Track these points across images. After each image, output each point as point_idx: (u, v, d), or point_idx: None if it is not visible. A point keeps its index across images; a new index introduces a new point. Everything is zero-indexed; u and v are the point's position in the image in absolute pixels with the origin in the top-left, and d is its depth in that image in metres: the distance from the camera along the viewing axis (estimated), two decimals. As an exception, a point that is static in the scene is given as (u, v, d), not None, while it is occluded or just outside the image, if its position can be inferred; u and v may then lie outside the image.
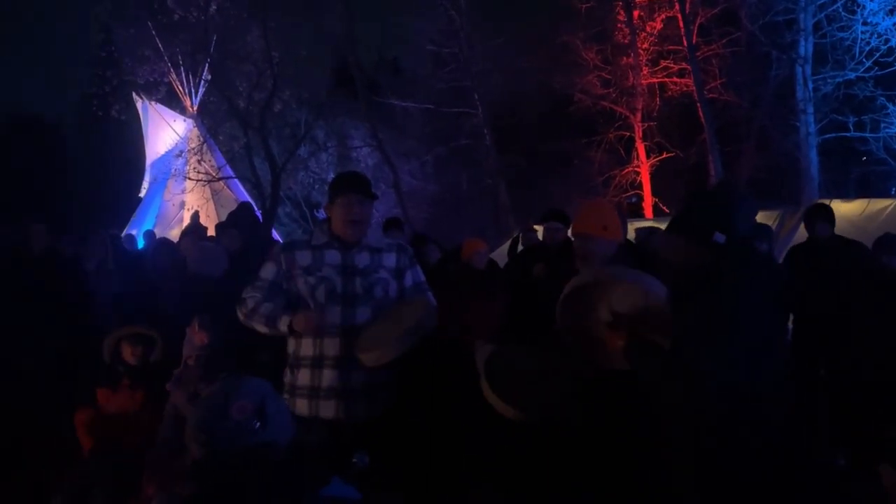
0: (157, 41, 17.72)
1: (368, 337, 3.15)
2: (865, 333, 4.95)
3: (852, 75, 14.55)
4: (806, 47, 15.11)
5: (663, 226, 5.87)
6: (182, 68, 18.80)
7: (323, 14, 18.63)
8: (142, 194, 20.21)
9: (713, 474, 2.47)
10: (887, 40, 13.95)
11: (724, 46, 16.82)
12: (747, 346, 2.46)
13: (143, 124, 19.97)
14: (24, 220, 6.14)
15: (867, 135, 14.94)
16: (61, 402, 4.53)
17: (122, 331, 4.40)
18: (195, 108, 19.47)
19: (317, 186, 21.64)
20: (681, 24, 16.82)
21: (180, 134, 19.05)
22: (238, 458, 1.88)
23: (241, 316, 3.34)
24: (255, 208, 14.17)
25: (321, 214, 17.55)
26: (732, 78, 16.65)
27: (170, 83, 18.91)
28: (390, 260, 3.42)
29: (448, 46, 19.95)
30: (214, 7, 17.05)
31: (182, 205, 18.40)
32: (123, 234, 12.86)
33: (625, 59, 18.61)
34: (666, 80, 18.23)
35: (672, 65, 18.03)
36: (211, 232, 10.10)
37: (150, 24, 17.33)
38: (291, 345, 3.35)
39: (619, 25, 18.73)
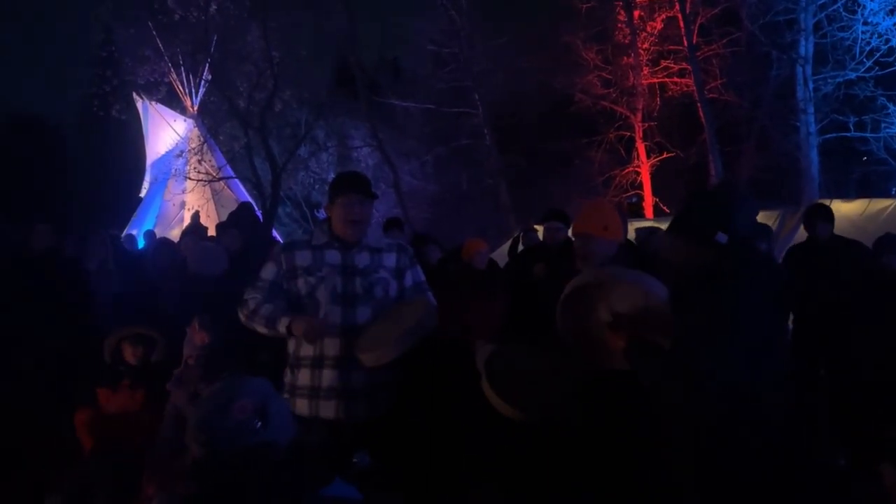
0: (158, 41, 17.72)
1: (368, 337, 3.16)
2: (865, 333, 4.95)
3: (853, 75, 14.54)
4: (806, 47, 15.11)
5: (664, 226, 5.86)
6: (182, 68, 18.81)
7: (323, 14, 18.62)
8: (142, 194, 20.23)
9: (713, 474, 2.47)
10: (888, 40, 13.95)
11: (724, 46, 16.82)
12: (747, 346, 2.46)
13: (143, 124, 19.99)
14: (28, 220, 6.14)
15: (868, 135, 14.93)
16: (61, 402, 4.53)
17: (123, 331, 4.41)
18: (195, 108, 19.48)
19: (317, 186, 21.63)
20: (681, 24, 16.81)
21: (181, 134, 19.06)
22: (238, 457, 1.88)
23: (242, 317, 3.34)
24: (256, 208, 14.18)
25: (321, 214, 17.58)
26: (733, 78, 16.64)
27: (170, 83, 18.92)
28: (390, 260, 3.42)
29: (448, 46, 19.96)
30: (215, 7, 17.04)
31: (182, 205, 18.42)
32: (124, 235, 12.87)
33: (625, 58, 18.62)
34: (666, 80, 18.23)
35: (672, 65, 18.03)
36: (211, 232, 10.11)
37: (150, 24, 17.34)
38: (292, 345, 3.35)
39: (619, 25, 18.73)
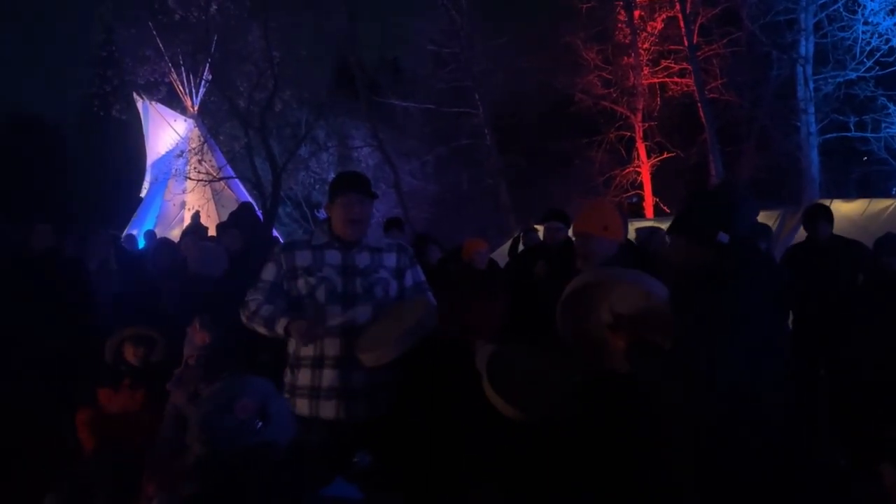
0: (158, 41, 17.75)
1: (369, 337, 3.16)
2: (865, 333, 4.95)
3: (853, 75, 14.53)
4: (807, 47, 15.10)
5: (664, 226, 5.88)
6: (183, 68, 18.83)
7: (323, 14, 18.63)
8: (142, 194, 20.24)
9: (713, 474, 2.48)
10: (888, 40, 13.94)
11: (724, 46, 16.81)
12: (747, 346, 2.46)
13: (143, 124, 20.00)
14: (28, 220, 6.14)
15: (868, 135, 14.92)
16: (61, 402, 4.53)
17: (125, 332, 4.41)
18: (196, 108, 19.50)
19: (317, 186, 21.63)
20: (681, 24, 16.82)
21: (181, 134, 19.07)
22: (238, 457, 1.88)
23: (243, 318, 3.34)
24: (256, 208, 14.18)
25: (322, 214, 17.59)
26: (733, 78, 16.64)
27: (170, 83, 18.94)
28: (390, 260, 3.42)
29: (449, 46, 19.96)
30: (215, 7, 17.06)
31: (183, 205, 18.43)
32: (124, 235, 12.89)
33: (625, 58, 18.62)
34: (667, 79, 18.23)
35: (673, 65, 18.03)
36: (212, 232, 10.11)
37: (150, 24, 17.36)
38: (292, 345, 3.35)
39: (619, 25, 18.73)
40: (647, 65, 18.41)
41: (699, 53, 16.69)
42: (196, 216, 14.37)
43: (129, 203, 21.08)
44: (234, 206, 12.86)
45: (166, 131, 19.21)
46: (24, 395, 4.85)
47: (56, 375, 4.89)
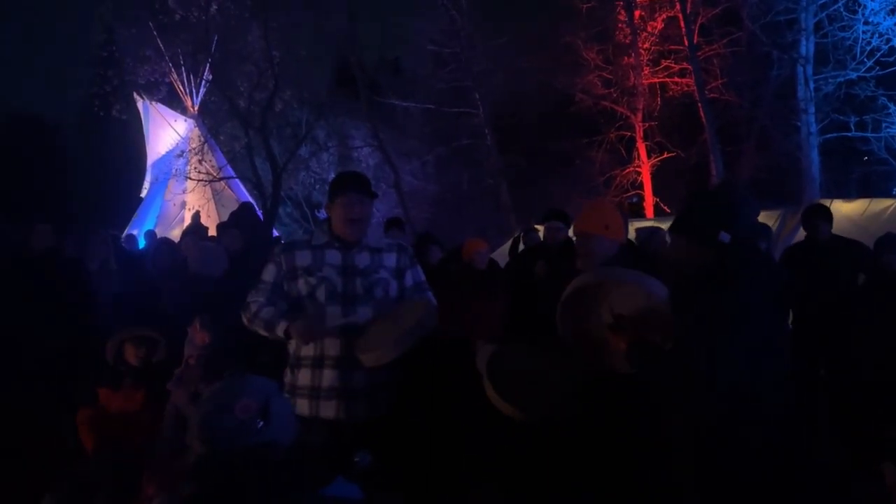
0: (159, 41, 17.76)
1: (369, 337, 3.15)
2: (865, 333, 4.95)
3: (853, 75, 14.53)
4: (807, 47, 15.10)
5: (664, 226, 5.87)
6: (183, 68, 18.84)
7: (323, 14, 18.63)
8: (143, 194, 20.24)
9: (713, 474, 2.48)
10: (888, 40, 13.94)
11: (725, 46, 16.81)
12: (748, 346, 2.46)
13: (144, 124, 20.01)
14: (28, 220, 6.14)
15: (868, 135, 14.92)
16: (61, 402, 4.53)
17: (125, 333, 4.41)
18: (196, 108, 19.51)
19: (318, 186, 21.64)
20: (682, 24, 16.82)
21: (181, 134, 19.08)
22: (239, 457, 1.88)
23: (245, 320, 3.34)
24: (257, 208, 14.18)
25: (322, 214, 17.58)
26: (733, 78, 16.64)
27: (171, 83, 18.96)
28: (391, 260, 3.41)
29: (449, 46, 19.94)
30: (215, 7, 17.06)
31: (183, 205, 18.44)
32: (124, 235, 12.89)
33: (626, 58, 18.61)
34: (667, 79, 18.23)
35: (673, 65, 18.03)
36: (212, 232, 10.11)
37: (151, 24, 17.37)
38: (292, 345, 3.35)
39: (620, 25, 18.73)
40: (647, 65, 18.41)
41: (699, 53, 16.69)
42: (196, 216, 14.38)
43: (129, 203, 21.08)
44: (234, 206, 12.86)
45: (167, 131, 19.22)
46: (24, 395, 4.85)
47: (56, 375, 4.88)
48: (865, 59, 14.26)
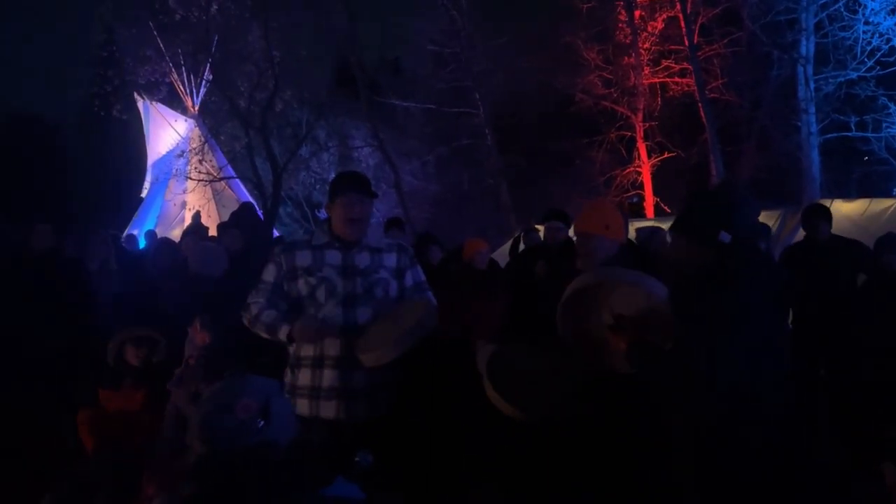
0: (159, 41, 17.75)
1: (369, 337, 3.15)
2: (865, 333, 4.95)
3: (854, 75, 14.54)
4: (807, 47, 15.10)
5: (665, 226, 5.87)
6: (183, 68, 18.84)
7: (324, 14, 18.63)
8: (143, 194, 20.24)
9: (713, 474, 2.48)
10: (889, 40, 13.94)
11: (725, 46, 16.82)
12: (748, 346, 2.46)
13: (144, 124, 20.01)
14: (28, 220, 6.14)
15: (869, 134, 14.92)
16: (61, 402, 4.53)
17: (126, 333, 4.41)
18: (196, 108, 19.51)
19: (318, 186, 21.64)
20: (682, 24, 16.82)
21: (182, 134, 19.08)
22: (239, 457, 1.88)
23: (245, 322, 3.35)
24: (257, 208, 14.18)
25: (322, 214, 17.59)
26: (734, 78, 16.65)
27: (171, 83, 18.95)
28: (391, 260, 3.41)
29: (449, 46, 19.94)
30: (216, 7, 17.06)
31: (183, 205, 18.44)
32: (125, 235, 12.90)
33: (626, 58, 18.61)
34: (667, 79, 18.24)
35: (673, 65, 18.04)
36: (213, 232, 10.11)
37: (151, 24, 17.36)
38: (293, 345, 3.35)
39: (620, 25, 18.73)
40: (647, 65, 18.41)
41: (700, 53, 16.69)
42: (197, 216, 14.39)
43: (129, 203, 21.09)
44: (234, 206, 12.86)
45: (167, 131, 19.23)
46: (24, 395, 4.86)
47: (56, 375, 4.89)
48: (866, 59, 14.27)
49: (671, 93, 18.24)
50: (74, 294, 5.56)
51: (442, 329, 3.38)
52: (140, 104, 19.50)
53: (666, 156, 18.34)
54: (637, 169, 18.70)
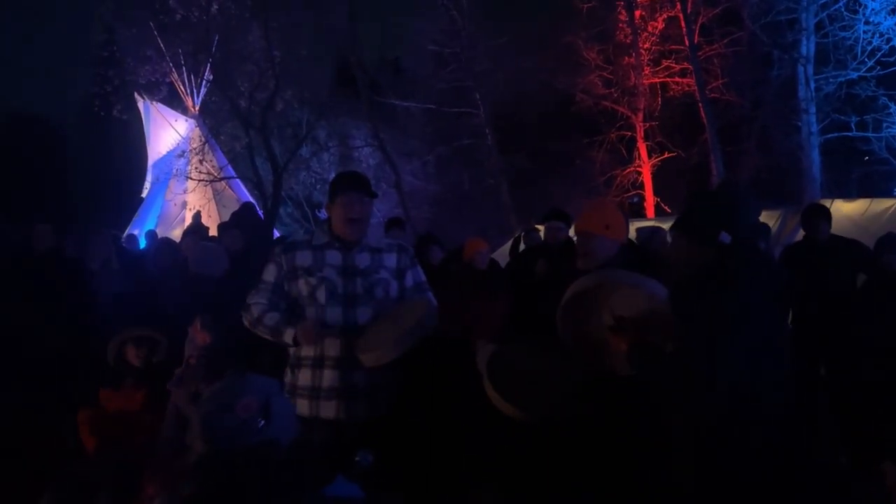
0: (159, 41, 17.74)
1: (369, 337, 3.16)
2: (865, 333, 4.95)
3: (854, 75, 14.55)
4: (808, 47, 15.10)
5: (665, 225, 5.86)
6: (184, 68, 18.83)
7: (324, 14, 18.63)
8: (144, 194, 20.24)
9: (713, 474, 2.48)
10: (889, 40, 13.95)
11: (725, 46, 16.84)
12: (748, 346, 2.46)
13: (144, 124, 20.02)
14: (29, 221, 6.14)
15: (869, 134, 14.93)
16: (61, 402, 4.53)
17: (127, 333, 4.41)
18: (197, 108, 19.51)
19: (318, 186, 21.63)
20: (682, 24, 16.83)
21: (182, 134, 19.08)
22: (240, 456, 1.88)
23: (246, 323, 3.35)
24: (258, 208, 14.18)
25: (323, 214, 17.59)
26: (734, 78, 16.67)
27: (171, 83, 18.95)
28: (391, 260, 3.41)
29: (450, 46, 19.94)
30: (216, 7, 17.05)
31: (184, 205, 18.44)
32: (125, 235, 12.90)
33: (626, 58, 18.62)
34: (668, 79, 18.25)
35: (674, 64, 18.05)
36: (213, 232, 10.12)
37: (151, 23, 17.36)
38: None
39: (620, 25, 18.74)
40: (648, 65, 18.42)
41: (700, 53, 16.70)
42: (197, 216, 14.39)
43: (130, 203, 21.10)
44: (235, 206, 12.87)
45: (167, 131, 19.23)
46: (24, 395, 4.85)
47: (56, 375, 4.89)
48: (866, 59, 14.29)
49: (671, 93, 18.25)
50: (75, 294, 5.56)
51: (442, 329, 3.38)
52: (140, 104, 19.50)
53: (666, 156, 18.34)
54: (637, 169, 18.70)
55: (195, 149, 18.38)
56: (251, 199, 16.45)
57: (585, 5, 18.33)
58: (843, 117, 14.95)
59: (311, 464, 2.10)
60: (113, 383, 4.28)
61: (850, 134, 15.14)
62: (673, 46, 17.91)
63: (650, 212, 18.03)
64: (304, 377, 3.27)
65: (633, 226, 8.01)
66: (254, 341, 3.51)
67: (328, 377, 3.22)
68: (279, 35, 17.26)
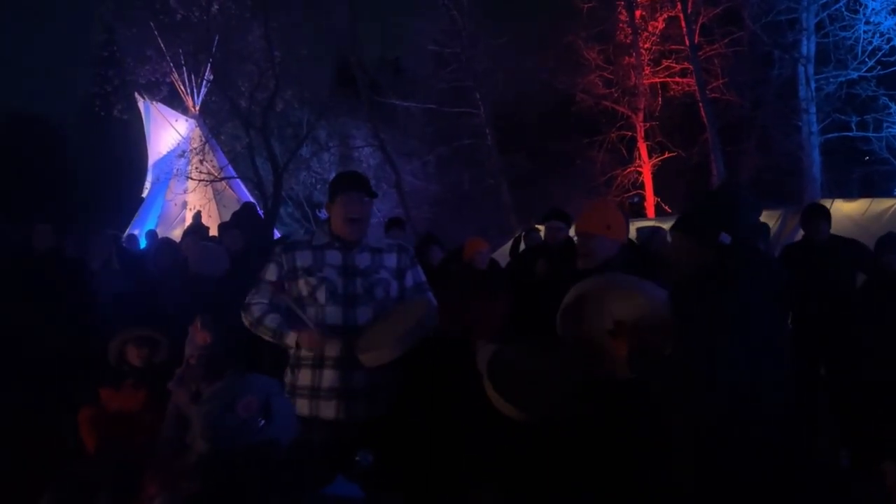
0: (160, 41, 17.74)
1: (369, 337, 3.16)
2: (865, 333, 4.95)
3: (855, 75, 14.54)
4: (808, 47, 15.10)
5: (665, 225, 5.86)
6: (184, 68, 18.83)
7: (325, 14, 18.63)
8: (144, 194, 20.24)
9: (713, 474, 2.48)
10: (889, 39, 13.95)
11: (726, 46, 16.83)
12: (747, 346, 2.46)
13: (145, 124, 20.01)
14: (29, 220, 6.14)
15: (870, 134, 14.92)
16: (61, 402, 4.53)
17: (127, 333, 4.40)
18: (197, 108, 19.50)
19: (319, 186, 21.62)
20: (683, 24, 16.82)
21: (182, 134, 19.07)
22: (240, 456, 1.88)
23: (245, 322, 3.35)
24: (258, 208, 14.19)
25: (323, 214, 17.59)
26: (734, 77, 16.66)
27: (172, 83, 18.95)
28: (391, 260, 3.42)
29: (450, 46, 19.94)
30: (216, 7, 17.07)
31: (184, 205, 18.43)
32: (126, 234, 12.90)
33: (627, 58, 18.62)
34: (668, 79, 18.24)
35: (674, 64, 18.04)
36: (213, 232, 10.12)
37: (151, 23, 17.36)
38: (295, 346, 3.35)
39: (620, 25, 18.73)
40: (648, 64, 18.42)
41: (700, 53, 16.70)
42: (197, 216, 14.39)
43: (130, 203, 21.09)
44: (235, 206, 12.87)
45: (168, 131, 19.22)
46: (24, 395, 4.85)
47: (56, 375, 4.89)
48: (867, 59, 14.28)
49: (672, 93, 18.24)
50: (75, 294, 5.56)
51: (442, 329, 3.38)
52: (141, 104, 19.49)
53: (667, 156, 18.33)
54: (638, 169, 18.70)
55: (195, 149, 18.38)
56: (251, 199, 16.44)
57: (586, 5, 18.33)
58: (843, 117, 14.95)
59: (311, 464, 2.10)
60: (114, 383, 4.28)
61: (850, 134, 15.14)
62: (673, 46, 17.91)
63: (650, 212, 18.02)
64: (304, 377, 3.27)
65: (634, 226, 8.00)
66: (254, 341, 3.51)
67: (328, 377, 3.22)
68: (279, 35, 17.28)
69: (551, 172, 19.83)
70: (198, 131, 19.21)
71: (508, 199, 19.47)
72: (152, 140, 19.98)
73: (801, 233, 6.06)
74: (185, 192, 18.57)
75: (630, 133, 18.78)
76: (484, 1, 20.25)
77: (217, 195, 18.33)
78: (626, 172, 18.67)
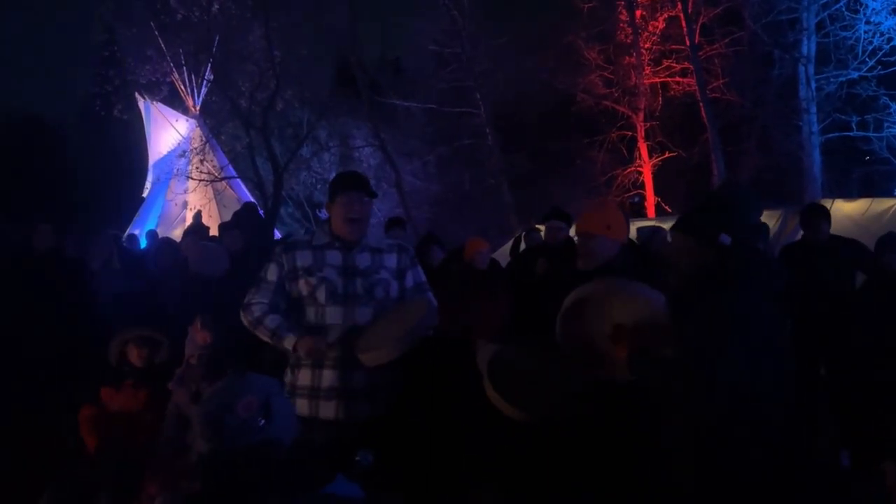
0: (160, 41, 17.75)
1: (369, 337, 3.16)
2: (865, 333, 4.95)
3: (855, 74, 14.55)
4: (809, 46, 15.10)
5: (666, 225, 5.86)
6: (184, 68, 18.84)
7: (325, 14, 18.64)
8: (144, 194, 20.25)
9: (713, 474, 2.48)
10: (890, 39, 13.96)
11: (726, 46, 16.83)
12: (747, 346, 2.46)
13: (145, 124, 20.01)
14: (29, 221, 6.14)
15: (870, 134, 14.93)
16: (61, 402, 4.53)
17: (128, 333, 4.41)
18: (197, 108, 19.50)
19: (319, 186, 21.61)
20: (683, 24, 16.82)
21: (183, 134, 19.07)
22: (241, 455, 1.88)
23: (245, 322, 3.34)
24: (259, 208, 14.19)
25: (323, 214, 17.59)
26: (735, 77, 16.66)
27: (172, 83, 18.95)
28: (391, 260, 3.41)
29: (450, 46, 19.93)
30: (217, 7, 17.07)
31: (185, 205, 18.43)
32: (126, 234, 12.91)
33: (627, 58, 18.61)
34: (668, 79, 18.24)
35: (674, 64, 18.04)
36: (213, 232, 10.12)
37: (152, 23, 17.37)
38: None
39: (621, 25, 18.72)
40: (648, 64, 18.41)
41: (701, 53, 16.70)
42: (198, 216, 14.37)
43: (130, 203, 21.09)
44: (235, 206, 12.87)
45: (168, 131, 19.22)
46: (24, 395, 4.85)
47: (56, 375, 4.89)
48: (867, 59, 14.29)
49: (672, 92, 18.24)
50: (75, 294, 5.56)
51: (442, 329, 3.38)
52: (141, 104, 19.49)
53: (667, 155, 18.33)
54: (638, 169, 18.69)
55: (196, 149, 18.38)
56: (252, 199, 16.44)
57: (586, 5, 18.33)
58: (843, 117, 14.96)
59: (312, 464, 2.10)
60: (114, 383, 4.29)
61: (850, 134, 15.14)
62: (674, 46, 17.91)
63: (651, 212, 18.01)
64: (304, 377, 3.27)
65: (634, 226, 8.00)
66: (254, 341, 3.51)
67: (328, 377, 3.22)
68: (279, 35, 17.28)
69: (552, 172, 19.83)
70: (198, 131, 19.21)
71: (509, 199, 19.47)
72: (153, 140, 19.98)
73: (801, 233, 6.05)
74: (185, 192, 18.57)
75: (630, 133, 18.78)
76: (484, 1, 20.27)
77: (217, 195, 18.33)
78: (626, 172, 18.67)
